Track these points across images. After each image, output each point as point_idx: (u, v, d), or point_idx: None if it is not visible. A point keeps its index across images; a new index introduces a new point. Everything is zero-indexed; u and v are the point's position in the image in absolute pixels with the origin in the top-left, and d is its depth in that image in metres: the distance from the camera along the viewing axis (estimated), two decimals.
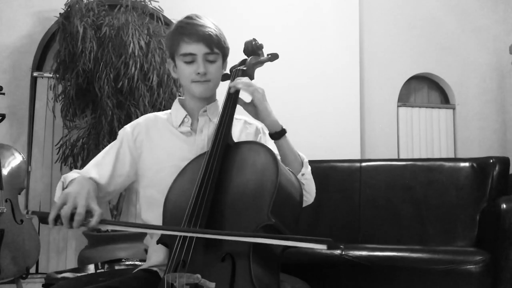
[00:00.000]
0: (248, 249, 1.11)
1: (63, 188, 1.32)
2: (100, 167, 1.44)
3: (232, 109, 1.38)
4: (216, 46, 1.42)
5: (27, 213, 1.24)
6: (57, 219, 1.12)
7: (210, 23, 1.44)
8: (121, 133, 1.52)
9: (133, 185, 1.54)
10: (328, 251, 2.11)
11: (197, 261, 1.13)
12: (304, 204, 1.40)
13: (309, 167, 1.46)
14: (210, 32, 1.40)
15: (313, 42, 4.29)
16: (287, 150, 1.41)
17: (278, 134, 1.40)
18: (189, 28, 1.40)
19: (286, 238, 1.11)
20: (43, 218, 1.14)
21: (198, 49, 1.40)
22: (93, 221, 1.12)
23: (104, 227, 1.18)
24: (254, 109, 1.40)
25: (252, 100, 1.40)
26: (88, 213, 1.13)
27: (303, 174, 1.41)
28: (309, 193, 1.45)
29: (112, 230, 3.39)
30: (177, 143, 1.48)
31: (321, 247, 0.98)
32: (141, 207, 1.51)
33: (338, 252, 2.08)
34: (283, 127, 1.41)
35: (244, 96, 1.42)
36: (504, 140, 4.77)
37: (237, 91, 1.41)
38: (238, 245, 1.11)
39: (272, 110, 1.40)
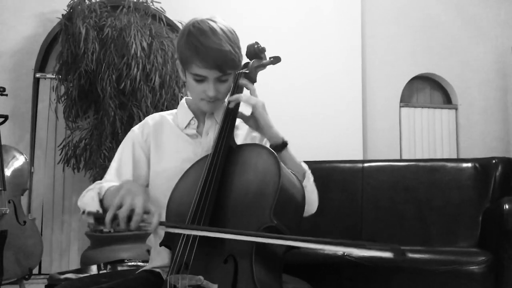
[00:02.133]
0: (250, 251, 1.11)
1: (100, 198, 1.27)
2: (121, 174, 1.42)
3: (235, 111, 1.38)
4: (230, 67, 1.34)
5: (83, 213, 1.15)
6: (115, 219, 1.07)
7: (227, 39, 1.33)
8: (130, 135, 1.51)
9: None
10: (331, 252, 2.11)
11: (199, 262, 1.13)
12: (305, 215, 1.36)
13: (312, 178, 1.43)
14: (225, 55, 1.31)
15: (315, 43, 4.29)
16: (289, 163, 1.37)
17: (280, 147, 1.37)
18: (203, 51, 1.30)
19: (331, 242, 1.00)
20: (100, 219, 1.09)
21: (210, 73, 1.33)
22: (154, 223, 1.07)
23: (165, 230, 1.13)
24: (254, 122, 1.38)
25: (252, 113, 1.38)
26: (146, 214, 1.08)
27: (305, 186, 1.37)
28: (311, 205, 1.41)
29: (117, 231, 3.41)
30: (182, 145, 1.47)
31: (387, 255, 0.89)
32: None
33: (340, 252, 2.08)
34: (285, 140, 1.38)
35: (244, 109, 1.40)
36: (507, 140, 4.77)
37: (237, 104, 1.38)
38: (240, 247, 1.11)
39: (273, 123, 1.37)
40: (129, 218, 1.07)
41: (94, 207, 1.24)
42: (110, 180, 1.38)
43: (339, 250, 1.00)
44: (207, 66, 1.31)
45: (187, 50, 1.33)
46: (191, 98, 1.53)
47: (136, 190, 1.12)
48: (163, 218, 1.29)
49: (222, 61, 1.31)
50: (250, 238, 1.07)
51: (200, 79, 1.35)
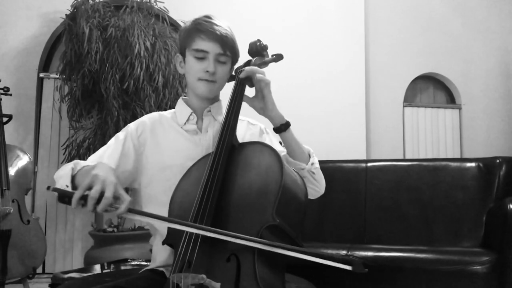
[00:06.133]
0: (253, 250, 1.11)
1: (72, 174, 1.27)
2: (104, 161, 1.39)
3: (237, 109, 1.38)
4: (230, 49, 1.43)
5: (48, 188, 1.12)
6: (82, 199, 1.05)
7: (225, 26, 1.44)
8: (125, 130, 1.51)
9: (136, 184, 1.51)
10: (334, 251, 2.11)
11: (202, 261, 1.13)
12: (315, 197, 1.43)
13: (316, 158, 1.47)
14: (227, 35, 1.42)
15: (318, 42, 4.28)
16: (293, 143, 1.42)
17: (284, 126, 1.41)
18: (207, 26, 1.41)
19: (307, 252, 1.06)
20: (66, 196, 1.07)
21: (212, 47, 1.41)
22: (122, 208, 1.06)
23: (131, 216, 1.10)
24: (259, 103, 1.40)
25: (258, 92, 1.39)
26: (115, 199, 1.08)
27: (312, 164, 1.42)
28: (319, 183, 1.46)
29: (120, 230, 3.41)
30: (182, 142, 1.47)
31: (345, 268, 0.98)
32: (143, 205, 1.48)
33: (344, 252, 2.08)
34: (287, 120, 1.42)
35: (248, 94, 1.43)
36: (511, 140, 4.75)
37: (244, 84, 1.41)
38: (243, 246, 1.11)
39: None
40: (98, 200, 1.06)
41: (65, 181, 1.24)
42: (91, 161, 1.37)
43: (305, 258, 1.04)
44: (210, 39, 1.40)
45: (191, 29, 1.44)
46: (187, 97, 1.55)
47: (108, 173, 1.12)
48: (157, 211, 1.28)
49: (224, 39, 1.41)
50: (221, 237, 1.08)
51: (201, 56, 1.41)
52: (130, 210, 1.08)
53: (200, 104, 1.50)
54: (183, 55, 1.48)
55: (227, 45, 1.42)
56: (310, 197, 1.39)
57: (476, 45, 4.77)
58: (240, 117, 1.49)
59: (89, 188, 1.07)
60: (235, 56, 1.47)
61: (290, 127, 1.42)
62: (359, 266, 0.96)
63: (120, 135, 1.49)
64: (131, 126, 1.52)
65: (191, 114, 1.50)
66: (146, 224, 1.49)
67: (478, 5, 4.82)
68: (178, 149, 1.46)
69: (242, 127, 1.54)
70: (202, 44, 1.41)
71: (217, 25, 1.41)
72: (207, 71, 1.41)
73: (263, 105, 1.40)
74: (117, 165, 1.41)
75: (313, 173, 1.42)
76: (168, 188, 1.35)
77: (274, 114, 1.41)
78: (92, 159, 1.40)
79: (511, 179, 2.32)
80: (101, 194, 1.06)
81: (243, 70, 1.40)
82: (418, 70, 4.66)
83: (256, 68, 1.40)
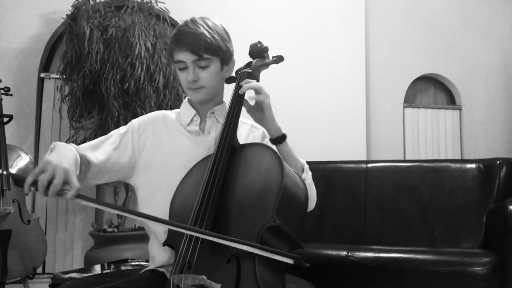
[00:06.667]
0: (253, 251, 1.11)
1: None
2: (97, 148, 1.42)
3: (238, 110, 1.38)
4: (207, 51, 1.38)
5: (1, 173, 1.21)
6: (33, 184, 1.09)
7: (205, 26, 1.40)
8: (129, 125, 1.52)
9: (132, 181, 1.51)
10: (335, 252, 2.11)
11: (202, 262, 1.13)
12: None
13: (310, 173, 1.46)
14: (198, 38, 1.37)
15: (318, 43, 4.28)
16: (288, 156, 1.41)
17: (280, 138, 1.40)
18: (180, 36, 1.40)
19: (258, 247, 1.10)
20: (19, 181, 1.12)
21: (186, 57, 1.38)
22: (70, 194, 1.09)
23: (79, 202, 1.13)
24: (258, 113, 1.39)
25: (258, 104, 1.38)
26: (66, 185, 1.10)
27: (304, 179, 1.39)
28: (310, 200, 1.41)
29: (120, 230, 3.41)
30: (184, 142, 1.47)
31: (288, 261, 1.08)
32: (139, 204, 1.48)
33: (344, 253, 2.08)
34: (284, 132, 1.42)
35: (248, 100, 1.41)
36: (511, 141, 4.75)
37: (241, 101, 1.39)
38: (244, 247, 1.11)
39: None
40: (48, 185, 1.09)
41: None
42: (82, 148, 1.39)
43: (249, 249, 1.09)
44: (182, 49, 1.38)
45: (171, 41, 1.44)
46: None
47: (61, 159, 1.14)
48: (159, 213, 1.28)
49: (195, 44, 1.37)
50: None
51: (182, 67, 1.42)
52: (78, 196, 1.10)
53: (203, 106, 1.51)
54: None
55: (201, 49, 1.37)
56: None
57: (477, 46, 4.77)
58: (243, 120, 1.50)
59: (41, 173, 1.10)
60: (220, 54, 1.42)
61: (287, 139, 1.41)
62: (300, 261, 1.03)
63: (122, 128, 1.51)
64: (135, 122, 1.52)
65: (194, 115, 1.50)
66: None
67: (478, 6, 4.82)
68: (180, 149, 1.46)
69: (245, 130, 1.54)
70: (178, 55, 1.40)
71: (190, 32, 1.38)
72: (187, 80, 1.41)
73: (261, 116, 1.39)
74: (108, 157, 1.42)
75: None
76: (167, 187, 1.35)
77: (271, 126, 1.40)
78: (83, 146, 1.41)
79: (511, 180, 2.32)
80: (51, 180, 1.10)
81: (242, 86, 1.37)
82: (418, 71, 4.66)
83: (253, 85, 1.37)
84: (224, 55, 1.43)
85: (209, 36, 1.38)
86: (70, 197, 1.09)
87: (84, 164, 1.36)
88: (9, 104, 3.42)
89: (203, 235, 1.12)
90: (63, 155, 1.19)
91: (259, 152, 1.29)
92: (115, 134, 1.48)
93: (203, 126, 1.50)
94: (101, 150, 1.42)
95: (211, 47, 1.39)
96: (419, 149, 4.63)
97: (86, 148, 1.40)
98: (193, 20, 1.42)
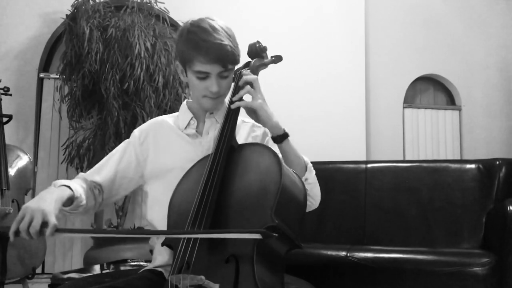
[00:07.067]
0: (251, 250, 1.11)
1: None
2: (102, 169, 1.49)
3: (236, 111, 1.38)
4: (231, 62, 1.38)
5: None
6: (18, 232, 1.17)
7: (225, 34, 1.36)
8: (129, 139, 1.55)
9: (141, 187, 1.56)
10: (334, 252, 2.11)
11: (201, 262, 1.13)
12: (308, 209, 1.38)
13: (313, 172, 1.44)
14: (226, 50, 1.34)
15: (318, 43, 4.28)
16: (290, 154, 1.38)
17: (280, 138, 1.37)
18: (205, 46, 1.33)
19: (215, 231, 1.16)
20: (4, 232, 1.24)
21: (213, 68, 1.35)
22: (48, 231, 1.15)
23: (60, 236, 1.27)
24: (253, 115, 1.38)
25: (248, 108, 1.37)
26: (44, 224, 1.16)
27: (306, 179, 1.38)
28: (313, 198, 1.44)
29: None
30: (182, 145, 1.48)
31: (255, 237, 1.03)
32: (146, 208, 1.52)
33: (343, 253, 2.08)
34: (285, 131, 1.38)
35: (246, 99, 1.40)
36: (511, 141, 4.75)
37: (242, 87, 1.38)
38: (242, 247, 1.11)
39: (273, 114, 1.37)
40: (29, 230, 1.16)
41: None
42: (90, 174, 1.48)
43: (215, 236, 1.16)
44: (209, 61, 1.34)
45: (189, 48, 1.36)
46: (191, 100, 1.56)
47: (41, 202, 1.20)
48: (158, 221, 1.33)
49: (224, 56, 1.34)
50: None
51: (203, 76, 1.38)
52: (58, 231, 1.18)
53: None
54: (184, 68, 1.43)
55: (228, 60, 1.36)
56: None
57: (477, 47, 4.77)
58: (245, 119, 1.50)
59: (22, 220, 1.17)
60: (237, 64, 1.43)
61: (289, 138, 1.38)
62: (267, 233, 1.00)
63: (124, 142, 1.55)
64: (136, 132, 1.55)
65: (191, 119, 1.51)
66: (146, 224, 1.52)
67: (479, 6, 4.81)
68: (178, 151, 1.47)
69: (246, 129, 1.54)
70: (202, 66, 1.35)
71: (216, 43, 1.33)
72: (211, 91, 1.39)
73: (256, 117, 1.38)
74: (115, 173, 1.49)
75: (306, 189, 1.36)
76: (168, 190, 1.36)
77: (269, 125, 1.37)
78: (91, 172, 1.50)
79: (511, 180, 2.32)
80: (30, 224, 1.17)
81: (235, 100, 1.36)
82: (418, 71, 4.65)
83: (242, 103, 1.35)
84: (238, 62, 1.44)
85: (232, 46, 1.36)
86: (48, 234, 1.16)
87: (97, 188, 1.45)
88: (8, 104, 3.42)
89: (192, 235, 1.14)
90: (43, 198, 1.24)
91: (257, 152, 1.29)
92: (118, 150, 1.53)
93: (201, 128, 1.51)
94: (107, 169, 1.48)
95: (235, 59, 1.39)
96: (418, 150, 4.62)
97: (93, 174, 1.48)
98: (213, 27, 1.35)
